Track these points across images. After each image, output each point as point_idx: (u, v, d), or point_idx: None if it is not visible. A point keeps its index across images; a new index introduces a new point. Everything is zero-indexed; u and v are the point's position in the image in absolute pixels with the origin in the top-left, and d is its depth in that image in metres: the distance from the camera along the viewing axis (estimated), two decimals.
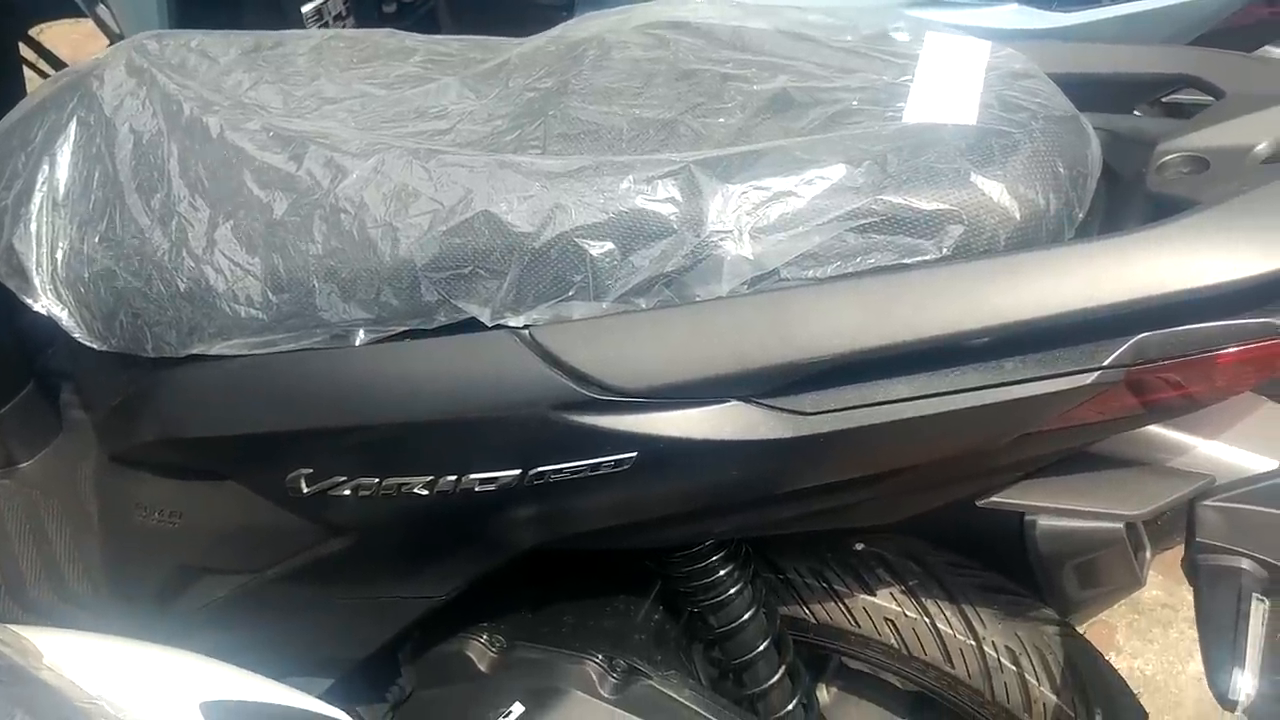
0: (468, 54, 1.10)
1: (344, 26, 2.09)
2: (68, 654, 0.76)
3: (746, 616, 1.05)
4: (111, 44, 2.23)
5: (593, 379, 0.81)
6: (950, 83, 0.87)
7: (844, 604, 1.12)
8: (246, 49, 1.15)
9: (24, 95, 1.67)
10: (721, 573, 1.04)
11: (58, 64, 2.33)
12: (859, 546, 1.13)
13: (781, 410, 0.80)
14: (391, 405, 0.88)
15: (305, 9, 2.01)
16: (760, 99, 0.90)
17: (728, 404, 0.80)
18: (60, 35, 2.44)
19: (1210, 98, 0.91)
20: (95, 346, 1.05)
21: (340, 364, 0.90)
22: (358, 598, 1.06)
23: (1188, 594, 1.97)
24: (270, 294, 0.91)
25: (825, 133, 0.84)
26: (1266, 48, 1.44)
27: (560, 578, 1.12)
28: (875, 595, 1.11)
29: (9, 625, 0.75)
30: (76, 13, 2.08)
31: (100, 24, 2.02)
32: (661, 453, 0.82)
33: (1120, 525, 1.01)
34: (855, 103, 0.87)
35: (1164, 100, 1.22)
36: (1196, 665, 1.90)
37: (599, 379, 0.81)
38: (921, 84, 0.88)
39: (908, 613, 1.10)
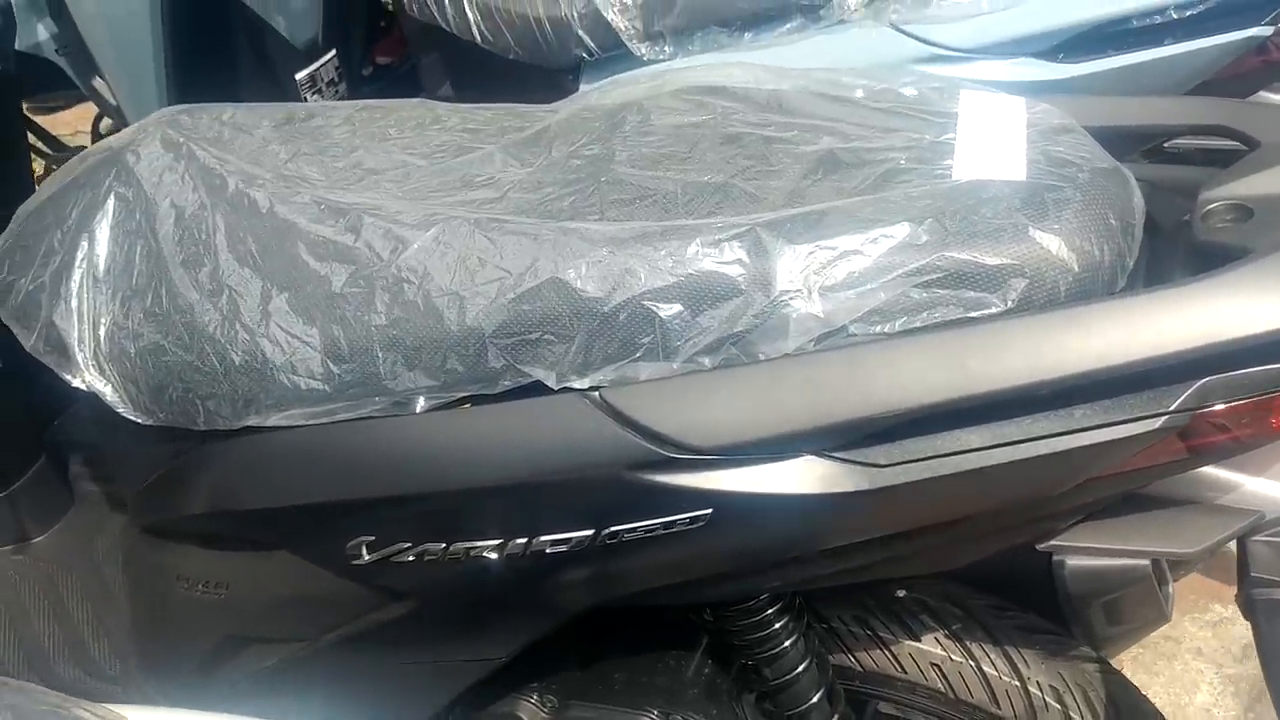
0: (502, 122, 1.12)
1: (336, 92, 2.11)
2: None
3: (801, 668, 1.06)
4: (101, 115, 2.25)
5: (668, 438, 0.83)
6: (993, 139, 0.90)
7: (890, 650, 1.13)
8: (279, 121, 1.16)
9: (30, 166, 1.68)
10: (777, 625, 1.05)
11: (44, 134, 2.34)
12: (901, 593, 1.15)
13: (855, 463, 0.82)
14: (462, 470, 0.89)
15: (299, 76, 2.04)
16: (808, 161, 0.92)
17: (802, 458, 0.82)
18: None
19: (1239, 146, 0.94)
20: (141, 421, 1.05)
21: (406, 431, 0.91)
22: (416, 662, 1.06)
23: (1190, 626, 2.02)
24: (331, 364, 0.92)
25: (878, 192, 0.87)
26: (1261, 94, 1.49)
27: (609, 635, 1.13)
28: (920, 640, 1.13)
29: (104, 705, 0.75)
30: (68, 86, 2.09)
31: (95, 96, 2.03)
32: (737, 509, 0.84)
33: (1146, 562, 1.03)
34: (903, 161, 0.90)
35: (1165, 147, 1.26)
36: (1203, 697, 1.93)
37: (674, 438, 0.82)
38: (965, 141, 0.91)
39: (953, 656, 1.12)
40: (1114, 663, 1.87)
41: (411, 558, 0.94)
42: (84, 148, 2.25)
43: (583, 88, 1.68)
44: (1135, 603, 1.08)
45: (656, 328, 0.84)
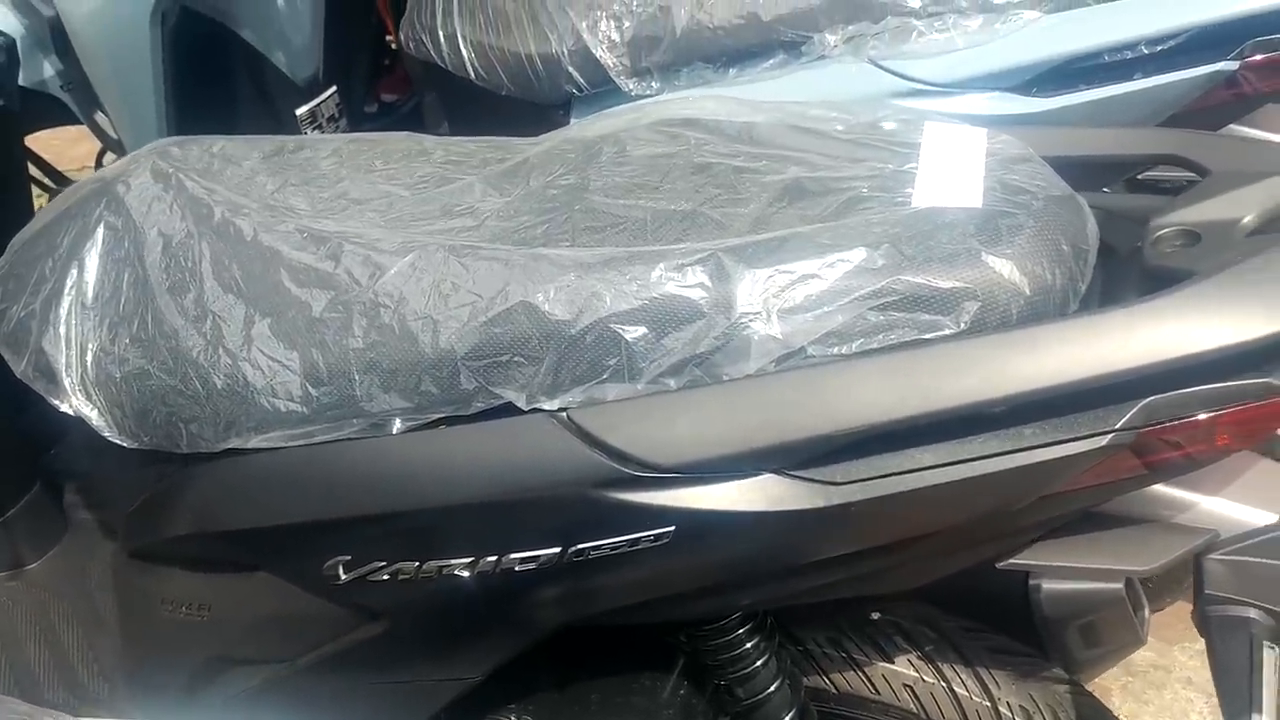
0: (485, 154, 1.15)
1: (337, 128, 2.15)
2: None
3: (773, 688, 1.08)
4: (105, 150, 2.29)
5: (632, 457, 0.85)
6: (953, 168, 0.93)
7: (863, 672, 1.14)
8: (268, 153, 1.19)
9: (30, 199, 1.72)
10: (748, 645, 1.06)
11: (50, 170, 2.37)
12: (875, 616, 1.16)
13: (813, 481, 0.84)
14: (434, 490, 0.92)
15: (299, 111, 2.07)
16: (774, 189, 0.95)
17: (761, 477, 0.84)
18: (41, 142, 2.47)
19: (1194, 175, 0.97)
20: (126, 444, 1.07)
21: (381, 452, 0.94)
22: (393, 682, 1.07)
23: (1180, 655, 2.02)
24: (310, 387, 0.95)
25: (840, 219, 0.90)
26: (1230, 127, 1.52)
27: (586, 657, 1.15)
28: (893, 662, 1.14)
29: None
30: (72, 120, 2.13)
31: (97, 131, 2.07)
32: (699, 526, 0.86)
33: (1120, 585, 1.05)
34: (865, 190, 0.93)
35: (1138, 178, 1.29)
36: None
37: (638, 457, 0.85)
38: (926, 170, 0.94)
39: (925, 678, 1.13)
40: (1105, 690, 1.88)
41: (386, 577, 0.96)
42: None
43: (573, 123, 1.71)
44: (1111, 626, 1.10)
45: (622, 350, 0.86)
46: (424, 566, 0.94)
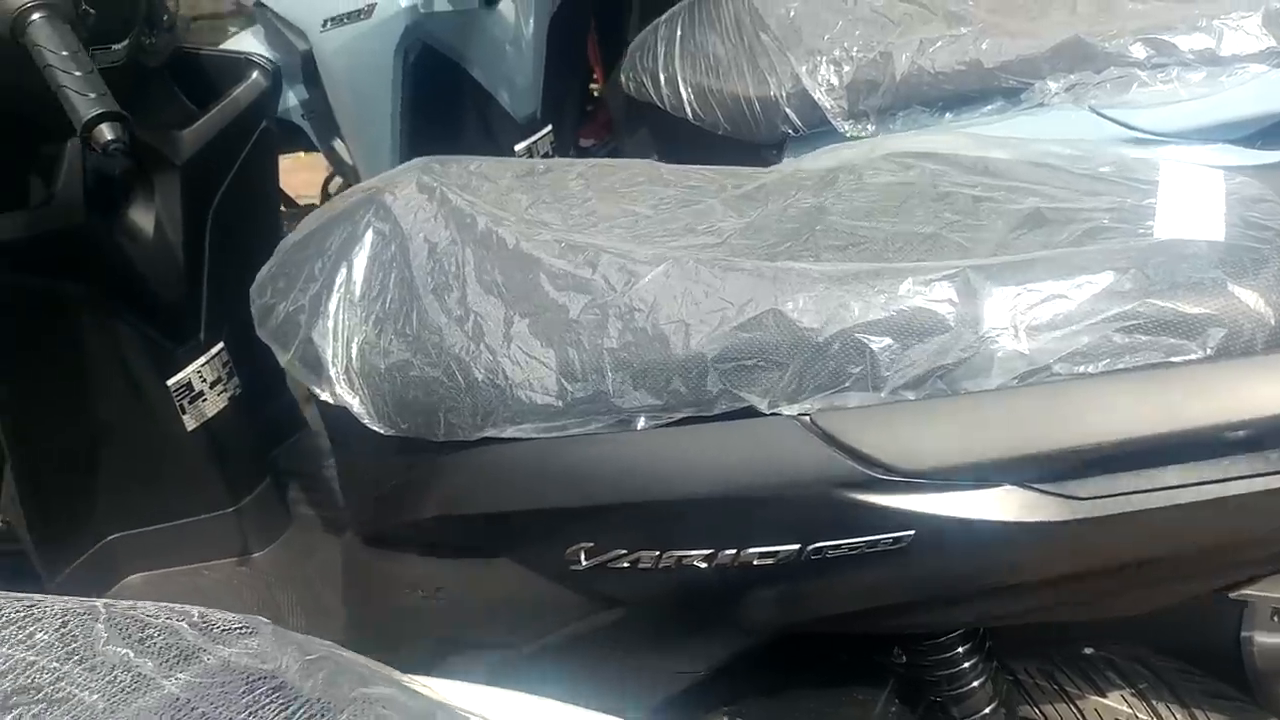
0: (721, 181, 1.21)
1: None
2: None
3: (987, 710, 1.10)
4: (335, 175, 2.46)
5: (876, 460, 0.89)
6: (1194, 204, 0.96)
7: (1075, 705, 1.16)
8: (520, 173, 1.28)
9: (279, 213, 1.86)
10: (966, 664, 1.09)
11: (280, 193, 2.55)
12: (1088, 650, 1.17)
13: (1055, 495, 0.87)
14: (678, 483, 0.97)
15: (517, 148, 2.22)
16: (1015, 217, 0.99)
17: (1003, 488, 0.88)
18: None
19: None
20: (382, 431, 1.16)
21: (630, 446, 1.00)
22: (618, 671, 1.13)
23: None
24: (565, 383, 1.02)
25: (1083, 246, 0.93)
26: None
27: (800, 668, 1.18)
28: (1105, 697, 1.15)
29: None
30: (307, 147, 2.29)
31: (332, 157, 2.22)
32: (938, 532, 0.89)
33: None
34: (1107, 221, 0.96)
35: None
36: None
37: (883, 460, 0.89)
38: (1166, 205, 0.96)
39: (1139, 715, 1.14)
40: None
41: (626, 565, 1.02)
42: (314, 205, 2.46)
43: (785, 161, 1.77)
44: None
45: (867, 359, 0.91)
46: (664, 556, 1.00)
